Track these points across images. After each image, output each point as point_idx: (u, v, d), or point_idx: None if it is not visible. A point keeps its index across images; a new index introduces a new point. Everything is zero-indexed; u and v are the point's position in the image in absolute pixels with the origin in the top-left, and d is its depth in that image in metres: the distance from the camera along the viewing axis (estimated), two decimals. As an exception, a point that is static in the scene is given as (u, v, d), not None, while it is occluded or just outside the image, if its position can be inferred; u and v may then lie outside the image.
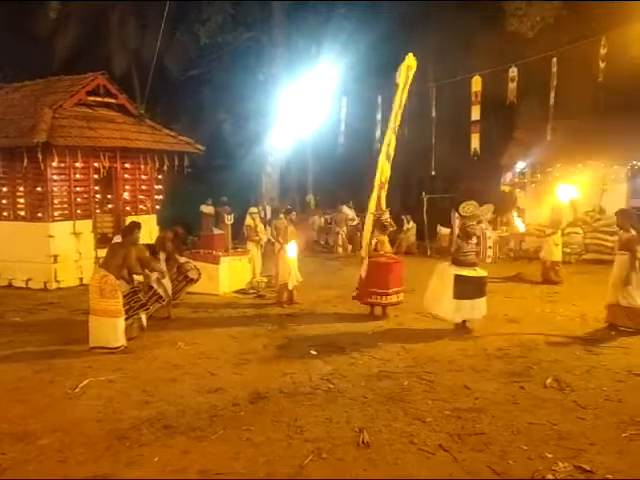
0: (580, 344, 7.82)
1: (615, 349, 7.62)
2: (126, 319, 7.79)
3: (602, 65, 11.46)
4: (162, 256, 9.55)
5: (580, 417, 5.46)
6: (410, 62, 9.72)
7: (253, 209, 13.28)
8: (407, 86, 9.69)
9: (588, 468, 4.47)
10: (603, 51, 11.40)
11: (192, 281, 9.86)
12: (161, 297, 8.65)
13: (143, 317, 8.34)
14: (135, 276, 8.24)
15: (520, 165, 16.64)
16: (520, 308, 10.03)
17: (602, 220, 15.24)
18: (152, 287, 8.41)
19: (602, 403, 5.81)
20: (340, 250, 16.38)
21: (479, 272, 8.45)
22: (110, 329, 7.52)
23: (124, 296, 7.82)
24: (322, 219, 19.76)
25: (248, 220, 12.74)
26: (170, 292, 9.28)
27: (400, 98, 9.61)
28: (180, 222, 10.26)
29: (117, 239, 8.31)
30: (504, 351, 7.57)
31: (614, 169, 15.43)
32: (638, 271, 8.19)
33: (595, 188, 15.58)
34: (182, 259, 10.04)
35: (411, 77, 9.73)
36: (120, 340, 7.57)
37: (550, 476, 4.38)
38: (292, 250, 10.32)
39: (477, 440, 4.98)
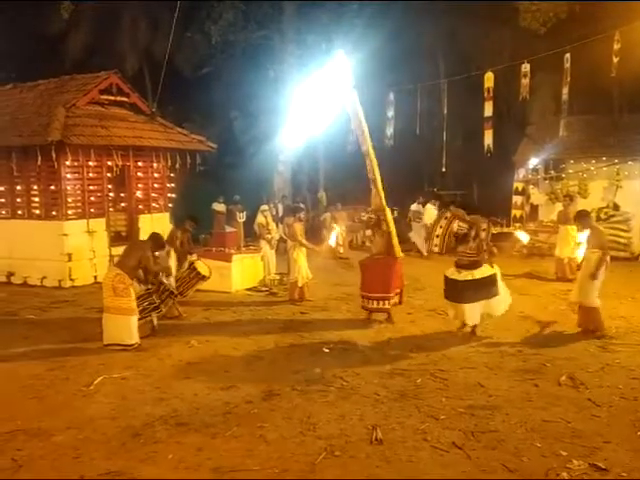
0: (594, 341, 7.76)
1: (630, 346, 7.55)
2: (139, 320, 7.84)
3: (615, 60, 11.33)
4: (172, 253, 9.58)
5: (595, 415, 5.43)
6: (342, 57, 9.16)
7: (264, 207, 13.27)
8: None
9: (603, 466, 4.45)
10: (616, 46, 11.26)
11: (203, 278, 9.85)
12: (173, 293, 8.71)
13: (154, 319, 8.39)
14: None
15: (533, 161, 16.53)
16: (534, 305, 9.97)
17: (616, 216, 15.12)
18: (163, 284, 8.46)
19: (617, 401, 5.77)
20: (341, 249, 16.33)
21: (464, 275, 8.02)
22: (124, 327, 7.57)
23: (138, 298, 7.88)
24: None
25: (259, 218, 12.74)
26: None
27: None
28: (188, 216, 10.30)
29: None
30: (518, 348, 7.54)
31: (628, 165, 15.30)
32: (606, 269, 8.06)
33: (609, 184, 15.47)
34: (193, 256, 10.06)
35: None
36: (134, 338, 7.62)
37: (565, 474, 4.36)
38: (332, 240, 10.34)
39: (491, 437, 4.96)
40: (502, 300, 8.16)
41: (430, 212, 15.72)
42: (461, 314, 8.16)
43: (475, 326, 8.15)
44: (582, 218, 8.51)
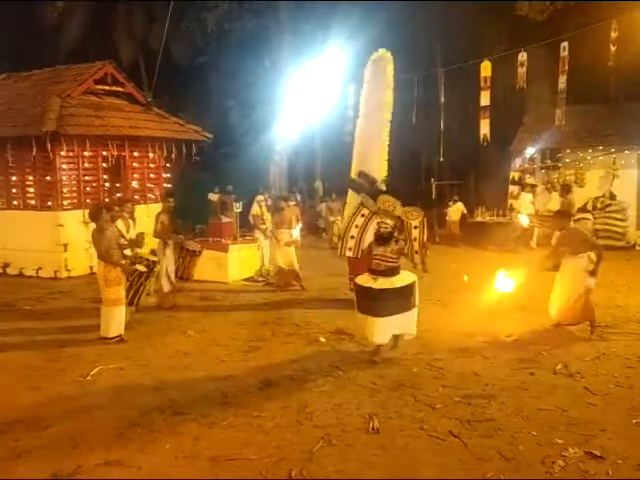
0: (590, 331, 7.77)
1: (626, 335, 7.58)
2: (132, 297, 7.96)
3: (613, 49, 11.28)
4: (170, 242, 9.43)
5: (590, 403, 5.46)
6: (384, 56, 9.35)
7: (260, 197, 13.23)
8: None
9: (598, 454, 4.48)
10: (614, 35, 11.21)
11: (195, 253, 9.80)
12: (155, 262, 8.64)
13: (142, 295, 8.40)
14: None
15: (530, 151, 16.52)
16: (530, 295, 9.97)
17: (612, 205, 15.14)
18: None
19: (612, 389, 5.80)
20: (336, 239, 16.26)
21: (380, 283, 6.58)
22: (111, 319, 7.47)
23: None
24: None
25: (255, 208, 12.70)
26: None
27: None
28: (164, 193, 10.41)
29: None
30: (514, 338, 7.56)
31: (625, 154, 15.30)
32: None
33: (606, 173, 15.47)
34: (180, 237, 9.85)
35: (391, 71, 9.30)
36: (119, 329, 7.52)
37: (560, 462, 4.38)
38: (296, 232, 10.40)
39: (487, 426, 4.99)
40: (415, 315, 6.83)
41: (525, 201, 15.20)
42: (370, 329, 6.62)
43: (380, 346, 6.72)
44: (561, 219, 8.00)
